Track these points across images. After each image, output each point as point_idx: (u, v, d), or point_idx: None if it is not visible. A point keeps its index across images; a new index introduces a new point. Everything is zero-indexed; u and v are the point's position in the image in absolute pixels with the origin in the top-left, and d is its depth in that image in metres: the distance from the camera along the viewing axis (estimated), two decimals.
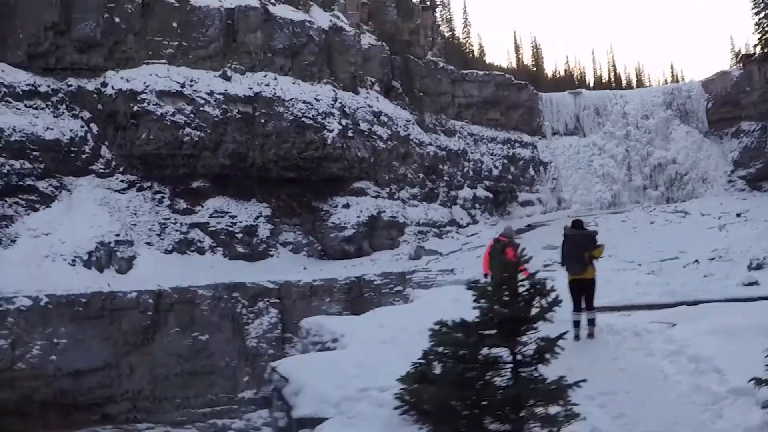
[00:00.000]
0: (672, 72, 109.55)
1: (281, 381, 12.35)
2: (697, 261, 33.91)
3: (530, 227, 57.07)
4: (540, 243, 46.61)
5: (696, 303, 17.40)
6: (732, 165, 64.97)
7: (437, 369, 8.39)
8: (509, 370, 7.81)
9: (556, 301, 7.75)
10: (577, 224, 14.89)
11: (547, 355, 7.67)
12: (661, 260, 36.23)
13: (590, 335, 13.89)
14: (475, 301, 7.67)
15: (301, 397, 11.25)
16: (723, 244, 39.63)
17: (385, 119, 49.99)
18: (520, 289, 7.80)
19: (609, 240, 44.98)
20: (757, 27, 69.02)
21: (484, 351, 7.77)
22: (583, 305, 14.11)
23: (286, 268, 39.41)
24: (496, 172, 61.93)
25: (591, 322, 13.98)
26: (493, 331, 7.66)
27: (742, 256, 33.44)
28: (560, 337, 7.74)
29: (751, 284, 23.57)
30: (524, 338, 7.74)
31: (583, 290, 13.98)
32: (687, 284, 25.36)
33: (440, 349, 8.08)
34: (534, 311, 7.81)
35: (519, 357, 7.74)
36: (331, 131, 43.81)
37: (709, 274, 28.64)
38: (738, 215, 51.23)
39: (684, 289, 22.78)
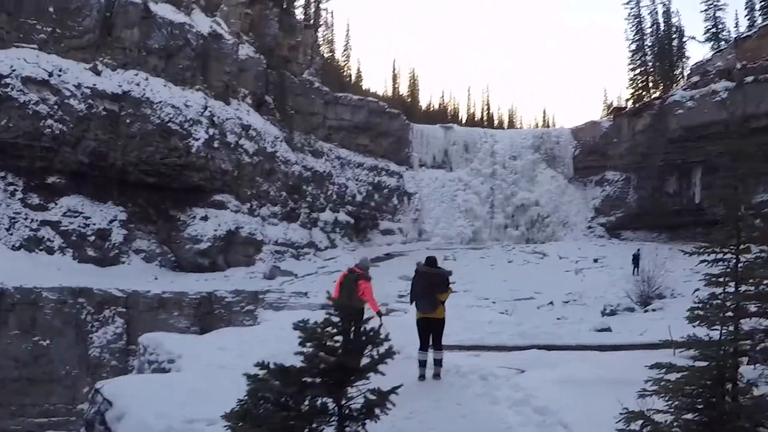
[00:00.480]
0: (544, 117, 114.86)
1: (105, 404, 11.65)
2: (551, 303, 36.22)
3: (389, 256, 58.92)
4: (397, 273, 48.29)
5: (547, 347, 17.80)
6: (593, 212, 69.13)
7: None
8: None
9: (390, 353, 7.22)
10: (431, 261, 14.49)
11: (377, 410, 7.10)
12: (516, 299, 38.46)
13: (436, 376, 13.77)
14: (301, 343, 6.98)
15: (122, 424, 10.72)
16: (578, 288, 42.21)
17: (254, 133, 50.79)
18: (355, 334, 7.20)
19: (466, 275, 47.82)
20: (631, 82, 74.25)
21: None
22: (431, 344, 13.98)
23: (136, 276, 39.37)
24: (359, 198, 63.41)
25: (438, 363, 13.89)
26: (318, 380, 7.03)
27: (597, 302, 35.95)
28: (393, 391, 7.15)
29: (603, 330, 24.82)
30: (352, 390, 7.16)
31: (431, 329, 13.83)
32: (540, 326, 25.82)
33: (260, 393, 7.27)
34: (365, 361, 7.22)
35: (346, 411, 7.12)
36: (197, 139, 44.25)
37: (563, 317, 30.30)
38: (595, 261, 54.64)
39: (536, 332, 23.24)
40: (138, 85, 42.78)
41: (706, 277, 13.87)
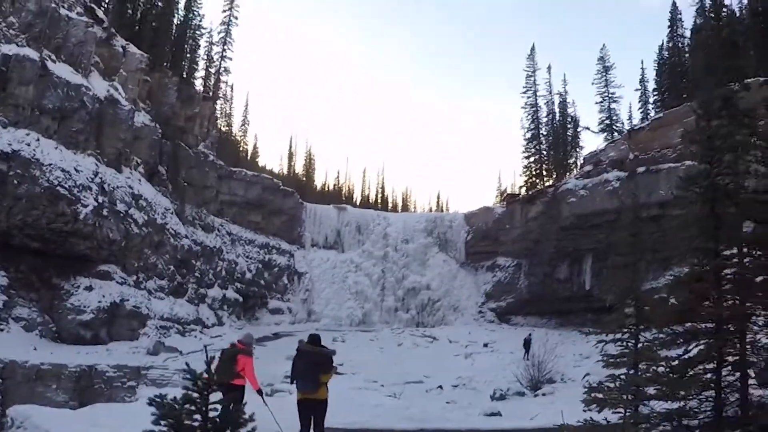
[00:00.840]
0: (438, 201, 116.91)
1: None
2: (440, 387, 36.67)
3: (277, 336, 59.13)
4: (284, 353, 47.87)
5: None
6: (484, 296, 71.00)
7: None
8: None
9: None
10: (315, 340, 14.22)
11: None
12: (405, 382, 38.50)
13: None
14: (154, 422, 6.16)
15: None
16: (468, 372, 42.93)
17: (144, 204, 50.40)
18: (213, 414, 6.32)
19: (355, 358, 47.81)
20: (525, 170, 76.69)
21: None
22: (312, 427, 13.61)
23: (14, 345, 37.77)
24: (249, 275, 63.38)
25: None
26: None
27: (486, 386, 36.56)
28: None
29: (493, 414, 24.73)
30: None
31: (312, 411, 13.46)
32: (428, 410, 24.90)
33: None
34: None
35: None
36: (85, 206, 43.40)
37: (452, 401, 30.43)
38: (485, 345, 55.76)
39: (424, 415, 22.63)
40: (29, 145, 41.67)
41: (604, 357, 14.26)
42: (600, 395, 13.98)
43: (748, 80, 38.32)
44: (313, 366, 13.49)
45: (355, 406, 23.02)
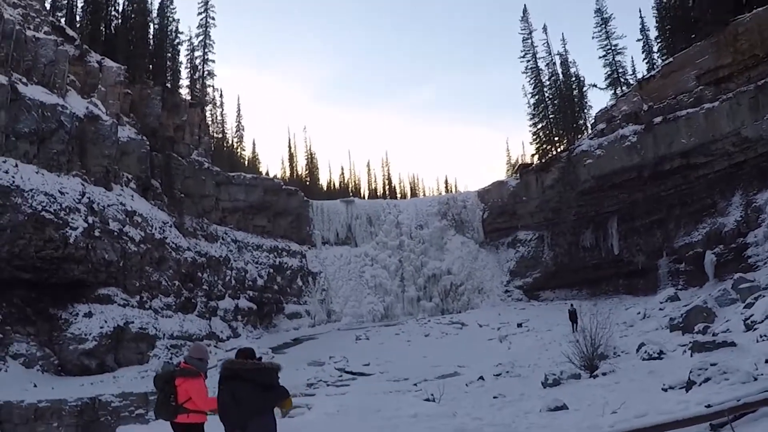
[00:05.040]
0: (447, 184, 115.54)
1: None
2: (482, 378, 33.63)
3: (297, 341, 57.73)
4: (306, 359, 46.47)
5: None
6: (509, 275, 69.28)
7: None
8: None
9: None
10: (249, 354, 9.61)
11: None
12: (439, 377, 36.04)
13: None
14: None
15: None
16: (507, 357, 40.53)
17: (139, 219, 48.46)
18: None
19: (382, 355, 45.67)
20: (534, 137, 74.56)
21: None
22: None
23: (14, 384, 36.03)
24: (261, 281, 61.65)
25: None
26: None
27: (531, 371, 33.88)
28: None
29: (558, 409, 20.49)
30: None
31: None
32: (480, 415, 21.12)
33: None
34: None
35: None
36: (74, 229, 41.54)
37: (500, 395, 26.66)
38: (519, 325, 53.90)
39: (478, 425, 18.50)
40: (7, 172, 39.72)
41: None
42: None
43: None
44: (264, 393, 8.99)
45: (387, 420, 20.48)
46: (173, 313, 49.56)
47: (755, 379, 16.96)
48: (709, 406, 13.33)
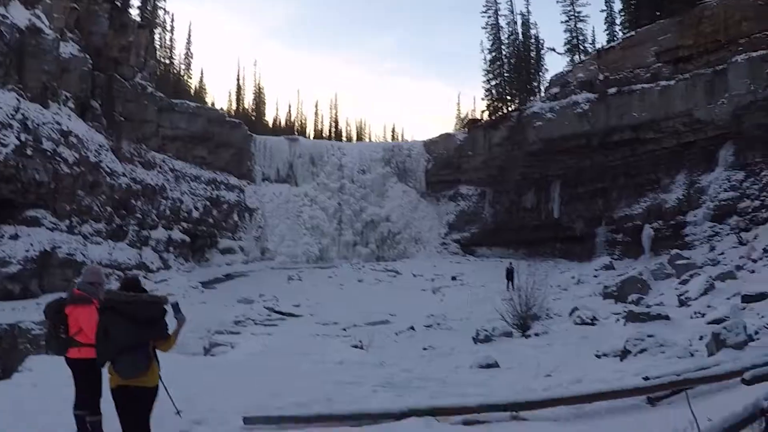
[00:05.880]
0: (393, 132, 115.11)
1: None
2: (412, 328, 33.36)
3: (229, 277, 57.28)
4: (236, 295, 46.04)
5: (433, 412, 11.46)
6: (447, 228, 69.41)
7: None
8: None
9: None
10: (133, 284, 8.38)
11: None
12: (369, 323, 35.83)
13: None
14: None
15: None
16: (439, 309, 40.47)
17: (75, 141, 46.70)
18: None
19: (313, 297, 45.30)
20: (487, 94, 74.01)
21: None
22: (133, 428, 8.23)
23: None
24: (196, 214, 60.51)
25: None
26: None
27: (463, 324, 33.74)
28: None
29: (489, 366, 19.89)
30: None
31: (135, 405, 8.07)
32: (407, 366, 20.26)
33: None
34: None
35: None
36: (5, 145, 39.86)
37: (430, 347, 26.65)
38: (453, 278, 54.26)
39: (406, 377, 17.60)
40: None
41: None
42: None
43: None
44: (137, 328, 7.92)
45: (313, 365, 19.87)
46: (103, 241, 48.28)
47: (692, 355, 17.24)
48: (646, 378, 13.22)
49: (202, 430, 10.34)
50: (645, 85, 53.25)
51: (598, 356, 20.22)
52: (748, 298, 26.16)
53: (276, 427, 10.72)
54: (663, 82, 52.30)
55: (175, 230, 57.48)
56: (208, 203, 62.59)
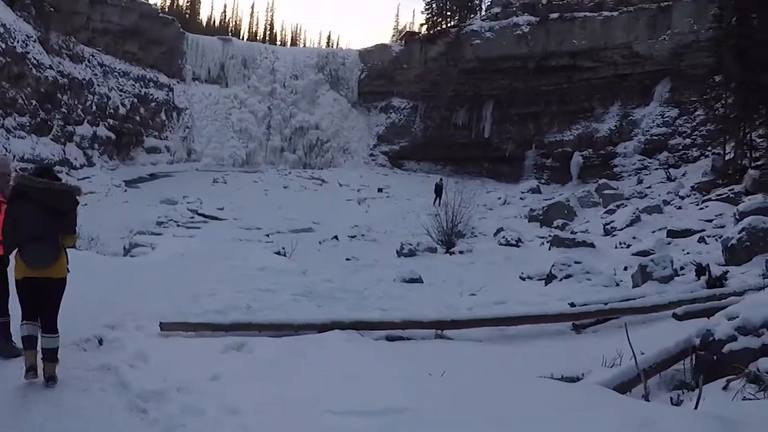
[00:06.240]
0: (329, 39, 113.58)
1: None
2: (336, 237, 33.51)
3: (153, 177, 56.68)
4: (160, 196, 45.54)
5: (357, 325, 11.34)
6: (376, 139, 69.33)
7: None
8: None
9: None
10: (46, 172, 8.05)
11: None
12: (293, 230, 35.70)
13: (50, 380, 7.69)
14: None
15: None
16: (364, 220, 40.65)
17: (1, 30, 44.81)
18: None
19: (237, 201, 44.98)
20: (427, 7, 73.31)
21: None
22: (41, 320, 7.87)
23: None
24: (123, 110, 59.05)
25: (50, 355, 7.76)
26: None
27: (388, 237, 34.05)
28: None
29: (413, 281, 19.81)
30: None
31: (43, 296, 7.79)
32: (329, 276, 19.95)
33: None
34: None
35: None
36: None
37: (353, 258, 26.54)
38: (380, 190, 54.25)
39: (328, 287, 17.25)
40: None
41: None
42: None
43: None
44: (46, 218, 7.67)
45: (233, 269, 18.94)
46: (26, 135, 46.87)
47: (617, 285, 17.78)
48: (572, 304, 13.47)
49: (116, 335, 9.88)
50: (588, 14, 53.75)
51: (522, 278, 20.53)
52: (673, 233, 26.97)
53: (193, 335, 10.52)
54: (606, 13, 52.84)
55: (101, 127, 56.10)
56: (135, 101, 61.14)
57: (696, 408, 6.33)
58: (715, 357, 7.98)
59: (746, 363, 7.48)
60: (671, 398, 7.77)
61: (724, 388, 7.24)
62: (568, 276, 18.45)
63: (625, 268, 20.80)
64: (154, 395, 7.37)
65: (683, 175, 44.27)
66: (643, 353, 8.32)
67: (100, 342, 9.46)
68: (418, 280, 20.05)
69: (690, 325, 9.76)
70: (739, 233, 19.39)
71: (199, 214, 41.08)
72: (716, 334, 8.10)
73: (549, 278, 18.96)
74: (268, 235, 34.35)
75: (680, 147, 47.47)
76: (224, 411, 6.93)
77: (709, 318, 9.95)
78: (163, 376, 7.95)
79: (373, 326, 11.68)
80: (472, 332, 12.06)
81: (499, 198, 48.54)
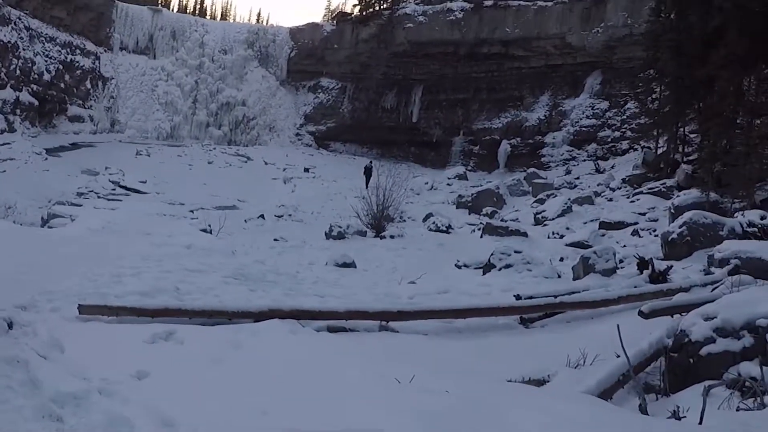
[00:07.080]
0: (258, 17, 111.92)
1: None
2: (262, 216, 33.21)
3: (75, 146, 55.16)
4: (81, 166, 44.66)
5: (297, 315, 10.67)
6: (303, 119, 68.60)
7: None
8: None
9: None
10: None
11: None
12: (218, 207, 35.47)
13: None
14: None
15: None
16: (290, 200, 40.51)
17: None
18: None
19: (160, 175, 44.06)
20: None
21: None
22: None
23: None
24: (47, 77, 57.15)
25: None
26: None
27: (315, 219, 34.05)
28: None
29: (346, 266, 19.20)
30: None
31: None
32: (259, 257, 19.21)
33: None
34: None
35: None
36: None
37: (281, 239, 25.74)
38: (306, 170, 53.78)
39: (260, 270, 16.19)
40: None
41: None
42: None
43: None
44: None
45: (157, 246, 17.78)
46: None
47: (559, 276, 17.66)
48: (518, 297, 13.21)
49: (28, 317, 9.08)
50: (522, 3, 54.09)
51: (458, 266, 20.30)
52: (606, 225, 27.31)
53: (116, 319, 9.67)
54: (540, 3, 53.25)
55: (24, 92, 54.16)
56: (61, 67, 59.19)
57: (701, 423, 6.04)
58: (691, 360, 7.73)
59: (725, 367, 7.25)
60: (639, 405, 7.03)
61: (706, 395, 6.61)
62: (507, 266, 18.29)
63: (561, 259, 20.82)
64: (72, 399, 6.25)
65: (612, 167, 44.90)
66: (618, 356, 7.90)
67: (10, 326, 8.50)
68: (352, 265, 19.48)
69: (651, 324, 9.56)
70: (680, 227, 19.45)
71: (121, 187, 40.30)
72: (692, 336, 7.83)
73: (487, 267, 18.77)
74: (192, 211, 34.03)
75: (609, 139, 48.17)
76: (156, 423, 5.89)
77: (672, 316, 9.76)
78: (83, 373, 6.93)
79: (314, 316, 10.94)
80: (418, 324, 11.53)
81: (426, 183, 48.51)
